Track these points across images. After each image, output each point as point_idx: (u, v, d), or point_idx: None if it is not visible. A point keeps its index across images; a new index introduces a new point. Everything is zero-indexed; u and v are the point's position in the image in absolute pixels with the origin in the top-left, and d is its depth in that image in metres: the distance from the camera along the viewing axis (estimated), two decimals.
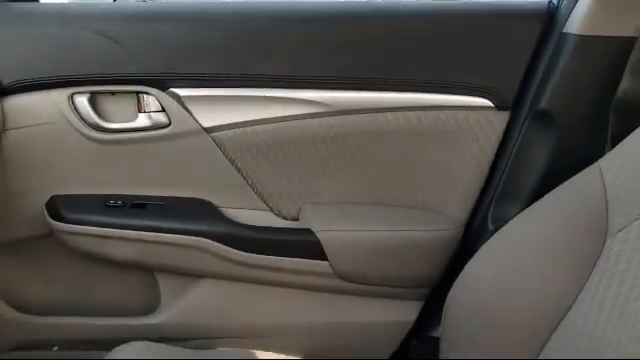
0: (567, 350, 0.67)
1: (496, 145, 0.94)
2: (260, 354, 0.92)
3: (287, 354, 0.92)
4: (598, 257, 0.69)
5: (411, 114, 0.93)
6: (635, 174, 0.70)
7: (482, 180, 0.96)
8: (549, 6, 0.93)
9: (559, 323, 0.69)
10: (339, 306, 0.98)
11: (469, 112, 0.93)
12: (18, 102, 0.88)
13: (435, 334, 0.93)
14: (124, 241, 0.93)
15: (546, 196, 0.76)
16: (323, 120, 0.92)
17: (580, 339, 0.66)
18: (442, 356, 0.81)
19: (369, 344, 1.00)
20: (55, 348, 1.02)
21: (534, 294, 0.72)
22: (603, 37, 0.85)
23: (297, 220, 0.98)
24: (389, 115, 0.93)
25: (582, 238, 0.72)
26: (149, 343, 0.82)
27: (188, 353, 0.84)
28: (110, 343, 0.81)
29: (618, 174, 0.73)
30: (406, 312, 0.99)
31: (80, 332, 1.01)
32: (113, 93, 0.91)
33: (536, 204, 0.77)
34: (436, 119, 0.93)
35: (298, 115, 0.91)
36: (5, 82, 0.87)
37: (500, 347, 0.72)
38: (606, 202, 0.72)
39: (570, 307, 0.69)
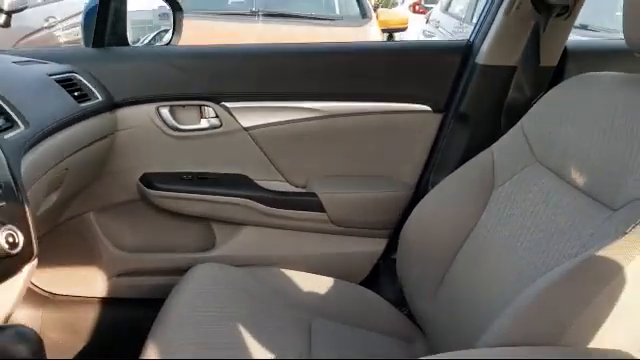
0: (468, 258, 1.11)
1: (434, 135, 1.41)
2: (281, 271, 1.36)
3: (300, 270, 1.37)
4: (487, 201, 1.14)
5: (379, 116, 1.40)
6: (512, 149, 1.14)
7: (425, 158, 1.43)
8: (467, 42, 1.40)
9: (464, 241, 1.14)
10: (332, 241, 1.45)
11: (416, 114, 1.40)
12: (124, 112, 1.33)
13: (394, 257, 1.40)
14: (192, 201, 1.39)
15: (460, 167, 1.23)
16: (320, 121, 1.38)
17: (479, 249, 1.11)
18: (398, 271, 1.28)
19: (353, 266, 1.47)
20: None
21: (448, 224, 1.18)
22: (496, 66, 1.33)
23: (305, 187, 1.44)
24: (364, 117, 1.39)
25: (477, 189, 1.17)
26: (214, 264, 1.28)
27: (239, 270, 1.29)
28: (182, 270, 1.25)
29: (503, 149, 1.17)
30: (377, 244, 1.47)
31: (159, 263, 1.46)
32: (184, 106, 1.36)
33: (454, 173, 1.23)
34: (395, 119, 1.40)
35: (304, 118, 1.38)
36: (116, 99, 1.31)
37: (427, 258, 1.18)
38: (493, 168, 1.17)
39: (469, 234, 1.14)
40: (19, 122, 0.92)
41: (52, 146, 1.00)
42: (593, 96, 1.00)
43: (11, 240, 0.69)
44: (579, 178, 0.95)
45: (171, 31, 1.53)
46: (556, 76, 1.32)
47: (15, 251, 0.69)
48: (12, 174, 0.76)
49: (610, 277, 0.73)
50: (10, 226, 0.70)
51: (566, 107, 1.05)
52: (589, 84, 1.04)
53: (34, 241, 0.76)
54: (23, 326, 0.75)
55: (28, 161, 0.89)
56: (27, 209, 0.75)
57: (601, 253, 0.74)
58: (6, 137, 0.84)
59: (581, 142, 0.97)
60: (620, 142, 0.89)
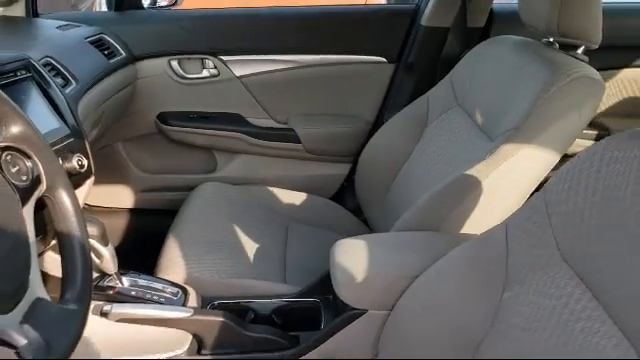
0: (404, 177, 1.50)
1: (388, 81, 1.76)
2: (267, 188, 1.70)
3: (282, 188, 1.71)
4: (420, 135, 1.49)
5: (345, 66, 1.74)
6: (442, 94, 1.47)
7: (381, 99, 1.78)
8: (414, 7, 1.72)
9: (402, 165, 1.51)
10: (307, 166, 1.82)
11: (374, 65, 1.74)
12: (142, 65, 1.67)
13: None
14: (197, 135, 1.76)
15: (404, 108, 1.57)
16: (298, 70, 1.73)
17: (411, 171, 1.47)
18: (356, 187, 1.64)
19: (324, 185, 1.84)
20: None
21: (392, 152, 1.54)
22: (435, 27, 1.65)
23: (286, 123, 1.79)
24: (333, 67, 1.74)
25: (414, 126, 1.52)
26: (216, 183, 1.66)
27: (235, 187, 1.67)
28: (191, 187, 1.61)
29: (435, 94, 1.51)
30: (342, 168, 1.84)
31: (173, 182, 1.82)
32: (189, 59, 1.70)
33: (399, 113, 1.57)
34: (358, 68, 1.75)
35: (285, 68, 1.73)
36: (136, 54, 1.65)
37: (377, 178, 1.56)
38: (427, 109, 1.51)
39: (406, 159, 1.50)
40: (71, 79, 1.28)
41: (93, 96, 1.36)
42: (497, 55, 1.34)
43: (80, 163, 1.04)
44: (478, 118, 1.31)
45: None
46: (483, 36, 1.65)
47: (83, 170, 1.05)
48: (75, 119, 1.13)
49: (472, 187, 1.11)
50: (78, 154, 1.05)
51: (479, 63, 1.39)
52: (498, 45, 1.38)
53: (91, 163, 1.13)
54: (90, 217, 1.11)
55: (80, 108, 1.25)
56: (86, 142, 1.13)
57: (468, 172, 1.12)
58: (67, 91, 1.21)
59: (483, 90, 1.31)
60: (505, 92, 1.23)
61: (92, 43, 1.51)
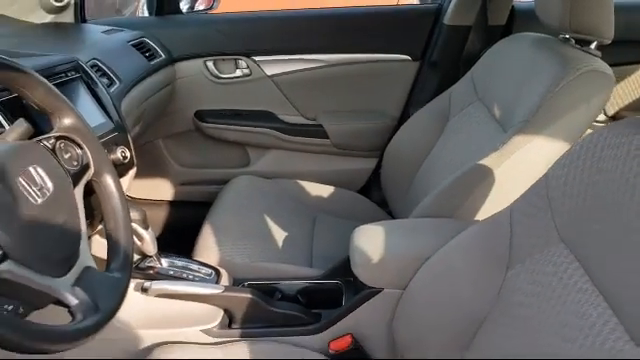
0: (427, 169, 1.57)
1: (412, 78, 1.83)
2: (296, 182, 1.78)
3: (310, 181, 1.80)
4: (442, 130, 1.56)
5: (372, 64, 1.82)
6: (463, 90, 1.54)
7: (406, 96, 1.85)
8: (438, 6, 1.78)
9: (424, 158, 1.58)
10: (335, 160, 1.92)
11: (399, 62, 1.82)
12: (180, 65, 1.79)
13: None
14: (231, 131, 1.87)
15: (428, 104, 1.65)
16: (327, 69, 1.82)
17: (432, 164, 1.55)
18: (382, 180, 1.72)
19: (350, 179, 1.92)
20: None
21: (416, 146, 1.61)
22: (457, 25, 1.72)
23: (315, 120, 1.89)
24: (360, 65, 1.83)
25: (437, 121, 1.59)
26: (249, 176, 1.75)
27: (266, 180, 1.77)
28: (225, 181, 1.71)
29: (457, 90, 1.57)
30: (369, 163, 1.92)
31: (209, 175, 1.93)
32: (224, 60, 1.81)
33: (422, 108, 1.65)
34: (384, 66, 1.83)
35: (314, 67, 1.82)
36: (175, 56, 1.77)
37: (401, 171, 1.64)
38: (449, 104, 1.58)
39: (429, 152, 1.57)
40: (115, 80, 1.40)
41: (135, 95, 1.47)
42: (514, 52, 1.40)
43: (123, 155, 1.14)
44: (496, 111, 1.37)
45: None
46: (505, 33, 1.70)
47: (126, 161, 1.16)
48: (119, 115, 1.24)
49: (484, 177, 1.18)
50: (122, 146, 1.15)
51: (498, 59, 1.45)
52: (516, 42, 1.44)
53: (133, 156, 1.24)
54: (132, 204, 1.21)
55: (123, 106, 1.37)
56: (129, 136, 1.24)
57: (481, 161, 1.19)
58: (111, 90, 1.33)
59: (501, 85, 1.37)
60: (520, 86, 1.29)
61: (134, 46, 1.63)
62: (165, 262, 1.18)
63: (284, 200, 1.66)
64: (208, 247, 1.35)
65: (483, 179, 1.18)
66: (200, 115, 1.87)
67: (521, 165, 1.15)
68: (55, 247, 0.71)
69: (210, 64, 1.81)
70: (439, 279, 1.00)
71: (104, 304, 0.73)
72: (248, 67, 1.82)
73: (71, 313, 0.70)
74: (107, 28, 1.67)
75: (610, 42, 1.21)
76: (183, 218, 1.92)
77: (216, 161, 1.96)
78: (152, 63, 1.64)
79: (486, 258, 0.90)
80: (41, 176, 0.72)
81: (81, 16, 1.72)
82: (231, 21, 1.85)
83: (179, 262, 1.21)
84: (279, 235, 1.46)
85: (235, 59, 1.81)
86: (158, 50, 1.72)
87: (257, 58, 1.81)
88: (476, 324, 0.88)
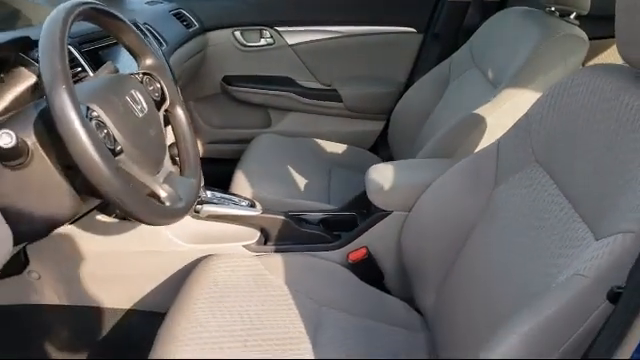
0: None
1: (417, 48, 2.05)
2: (314, 140, 2.06)
3: (326, 140, 2.07)
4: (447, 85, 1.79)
5: (381, 35, 2.04)
6: (462, 59, 1.77)
7: (411, 64, 2.08)
8: None
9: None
10: (348, 122, 2.14)
11: (406, 34, 2.03)
12: (211, 34, 2.01)
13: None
14: (254, 94, 2.10)
15: (429, 72, 1.87)
16: (341, 39, 2.04)
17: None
18: (389, 139, 1.96)
19: (361, 138, 2.15)
20: None
21: (421, 107, 1.85)
22: (457, 1, 1.93)
23: (330, 85, 2.11)
24: (370, 36, 2.04)
25: (440, 84, 1.81)
26: (271, 135, 1.99)
27: (286, 139, 2.00)
28: (249, 140, 1.94)
29: (456, 59, 1.80)
30: (377, 125, 2.15)
31: (235, 135, 2.15)
32: (250, 29, 2.04)
33: (421, 79, 1.87)
34: (391, 37, 2.04)
35: (330, 37, 2.04)
36: (206, 26, 2.00)
37: (407, 134, 1.87)
38: (450, 70, 1.80)
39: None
40: (163, 42, 1.62)
41: (176, 58, 1.69)
42: (506, 23, 1.63)
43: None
44: (489, 74, 1.59)
45: None
46: (500, 7, 1.92)
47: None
48: (170, 69, 1.47)
49: (479, 123, 1.40)
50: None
51: (492, 30, 1.68)
52: (508, 15, 1.66)
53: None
54: None
55: (170, 65, 1.60)
56: (178, 88, 1.46)
57: (476, 111, 1.41)
58: (162, 50, 1.55)
59: (493, 52, 1.59)
60: (508, 51, 1.51)
61: (174, 15, 1.85)
62: (209, 193, 1.41)
63: (303, 155, 1.88)
64: (242, 186, 1.58)
65: (477, 126, 1.41)
66: (227, 80, 2.09)
67: (509, 114, 1.38)
68: (151, 151, 0.94)
69: (237, 34, 2.03)
70: (438, 200, 1.23)
71: (185, 197, 0.97)
72: (271, 37, 2.04)
73: (160, 201, 0.93)
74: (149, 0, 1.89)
75: (587, 13, 1.43)
76: (211, 174, 2.10)
77: (241, 122, 2.18)
78: (189, 31, 1.86)
79: (476, 179, 1.12)
80: (139, 98, 0.95)
81: None
82: None
83: (220, 194, 1.44)
84: (301, 180, 1.69)
85: (260, 29, 2.03)
86: (193, 20, 1.94)
87: (280, 29, 2.03)
88: (467, 232, 1.10)
